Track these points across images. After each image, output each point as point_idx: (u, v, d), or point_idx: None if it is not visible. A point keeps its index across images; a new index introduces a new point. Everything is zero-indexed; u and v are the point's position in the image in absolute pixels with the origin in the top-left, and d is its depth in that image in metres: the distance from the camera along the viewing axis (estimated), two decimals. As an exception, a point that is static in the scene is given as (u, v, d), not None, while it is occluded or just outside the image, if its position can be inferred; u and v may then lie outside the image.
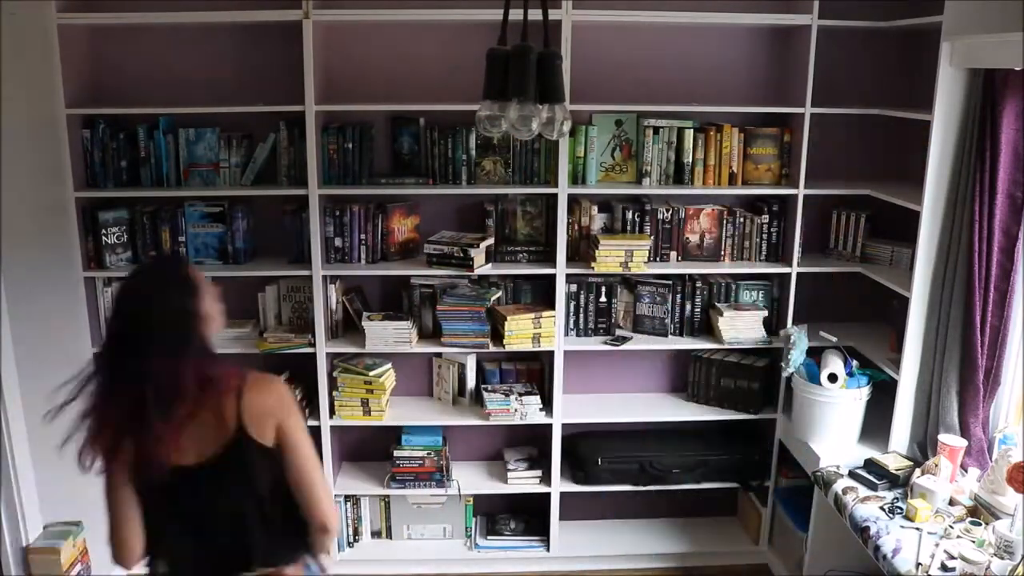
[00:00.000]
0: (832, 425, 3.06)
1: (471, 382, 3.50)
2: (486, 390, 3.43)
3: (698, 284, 3.39)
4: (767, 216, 3.33)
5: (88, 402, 1.74)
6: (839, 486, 2.80)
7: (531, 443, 3.64)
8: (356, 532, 3.59)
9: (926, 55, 2.98)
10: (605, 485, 3.46)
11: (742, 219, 3.36)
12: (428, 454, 3.43)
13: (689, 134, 3.24)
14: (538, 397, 3.39)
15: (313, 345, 3.28)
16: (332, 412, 3.35)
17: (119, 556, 1.79)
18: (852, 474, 2.85)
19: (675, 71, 3.34)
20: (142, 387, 1.67)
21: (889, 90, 3.31)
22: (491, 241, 3.30)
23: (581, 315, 3.40)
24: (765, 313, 3.36)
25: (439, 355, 3.52)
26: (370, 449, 3.61)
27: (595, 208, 3.35)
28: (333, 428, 3.39)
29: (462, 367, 3.48)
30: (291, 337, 3.29)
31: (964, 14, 2.60)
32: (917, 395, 2.91)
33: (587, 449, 3.46)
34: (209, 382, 1.72)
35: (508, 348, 3.27)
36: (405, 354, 3.45)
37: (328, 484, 1.82)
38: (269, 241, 3.37)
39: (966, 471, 2.74)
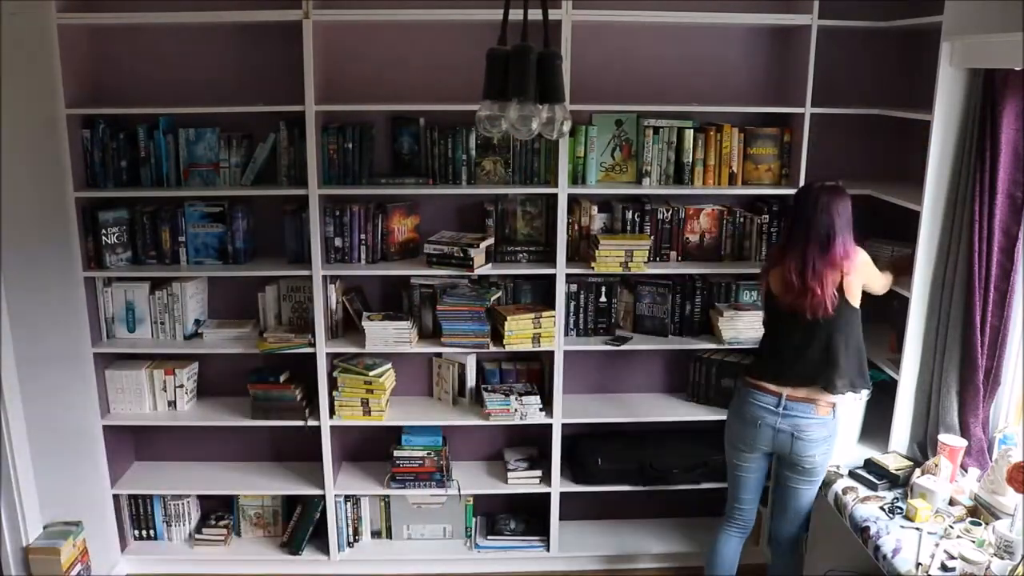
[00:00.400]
0: (832, 425, 3.06)
1: (471, 382, 3.50)
2: (486, 390, 3.43)
3: (698, 284, 3.39)
4: (767, 216, 3.33)
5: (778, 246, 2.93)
6: (839, 486, 2.81)
7: (531, 443, 3.64)
8: (356, 532, 3.59)
9: (926, 55, 2.98)
10: (605, 485, 3.46)
11: (742, 219, 3.37)
12: (428, 454, 3.43)
13: (689, 134, 3.24)
14: (538, 397, 3.39)
15: (313, 345, 3.28)
16: (332, 412, 3.35)
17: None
18: (852, 474, 2.85)
19: (675, 71, 3.34)
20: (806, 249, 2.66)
21: (889, 90, 3.31)
22: (491, 241, 3.30)
23: (581, 315, 3.40)
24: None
25: (439, 355, 3.52)
26: (370, 449, 3.62)
27: (595, 208, 3.35)
28: (333, 428, 3.39)
29: (462, 367, 3.48)
30: (291, 337, 3.30)
31: (964, 14, 2.60)
32: (917, 395, 2.91)
33: (587, 449, 3.46)
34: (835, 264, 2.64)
35: (508, 348, 3.28)
36: (405, 354, 3.46)
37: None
38: (269, 241, 3.37)
39: (966, 471, 2.74)
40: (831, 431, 2.76)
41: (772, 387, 2.75)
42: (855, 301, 2.69)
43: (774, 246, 3.17)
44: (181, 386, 3.41)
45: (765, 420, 2.75)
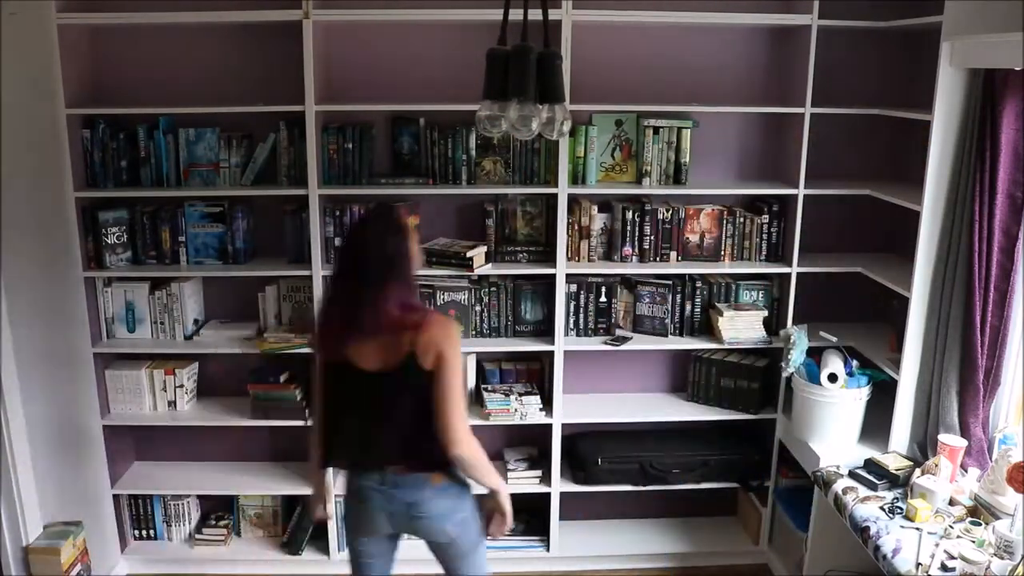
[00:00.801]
0: (832, 425, 3.06)
1: (471, 382, 3.50)
2: (486, 390, 3.43)
3: (698, 284, 3.39)
4: (767, 216, 3.33)
5: (319, 312, 2.36)
6: (839, 486, 2.80)
7: (531, 443, 3.64)
8: (356, 532, 3.59)
9: (926, 55, 2.98)
10: (605, 485, 3.46)
11: (742, 219, 3.36)
12: (428, 454, 3.43)
13: (688, 134, 3.24)
14: (538, 397, 3.39)
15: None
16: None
17: (316, 456, 2.42)
18: (852, 474, 2.85)
19: (675, 71, 3.34)
20: (357, 307, 2.18)
21: (889, 90, 3.31)
22: (484, 249, 3.30)
23: (581, 315, 3.39)
24: (765, 313, 3.36)
25: (439, 355, 3.51)
26: (370, 449, 3.61)
27: (595, 208, 3.35)
28: (333, 428, 3.39)
29: (462, 367, 3.48)
30: (291, 337, 3.29)
31: (964, 14, 2.60)
32: (917, 395, 2.91)
33: (587, 449, 3.46)
34: (405, 310, 2.20)
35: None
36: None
37: (463, 413, 2.24)
38: (269, 241, 3.37)
39: (966, 471, 2.74)
40: (457, 498, 2.33)
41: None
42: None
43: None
44: (181, 386, 3.41)
45: (374, 501, 2.30)
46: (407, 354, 2.17)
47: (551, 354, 3.35)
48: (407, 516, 2.30)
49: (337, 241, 3.25)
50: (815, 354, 3.15)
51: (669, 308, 3.37)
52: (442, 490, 2.29)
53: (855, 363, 3.07)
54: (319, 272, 3.21)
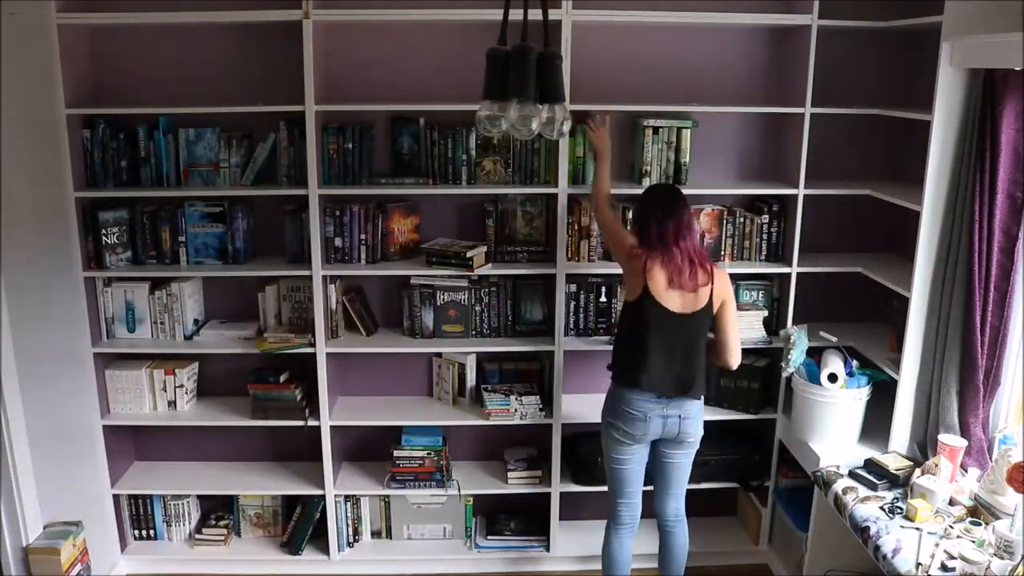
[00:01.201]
0: (832, 425, 3.06)
1: (471, 382, 3.50)
2: (486, 390, 3.44)
3: (698, 284, 3.39)
4: (767, 216, 3.33)
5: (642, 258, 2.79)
6: (839, 486, 2.81)
7: (531, 443, 3.64)
8: (356, 532, 3.59)
9: (926, 55, 2.98)
10: (605, 485, 3.45)
11: (742, 219, 3.36)
12: (428, 454, 3.44)
13: (688, 134, 3.24)
14: (538, 397, 3.39)
15: (313, 345, 3.28)
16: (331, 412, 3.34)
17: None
18: (852, 474, 2.85)
19: (675, 71, 3.34)
20: (682, 264, 2.74)
21: (889, 90, 3.31)
22: (484, 249, 3.30)
23: (581, 315, 3.39)
24: (765, 313, 3.36)
25: (439, 355, 3.52)
26: (370, 449, 3.62)
27: (595, 208, 3.35)
28: (333, 428, 3.39)
29: (462, 367, 3.48)
30: (291, 337, 3.30)
31: (964, 14, 2.60)
32: (917, 395, 2.91)
33: (587, 449, 3.46)
34: (704, 267, 2.77)
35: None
36: (405, 354, 3.45)
37: (739, 340, 2.92)
38: (269, 241, 3.37)
39: (966, 471, 2.74)
40: (701, 411, 2.96)
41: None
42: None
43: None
44: (181, 386, 3.41)
45: (654, 411, 2.83)
46: (706, 302, 2.77)
47: (551, 354, 3.35)
48: (678, 420, 2.85)
49: (338, 241, 3.26)
50: (815, 354, 3.15)
51: (669, 308, 3.37)
52: (697, 405, 2.91)
53: (855, 363, 3.07)
54: (319, 272, 3.21)
